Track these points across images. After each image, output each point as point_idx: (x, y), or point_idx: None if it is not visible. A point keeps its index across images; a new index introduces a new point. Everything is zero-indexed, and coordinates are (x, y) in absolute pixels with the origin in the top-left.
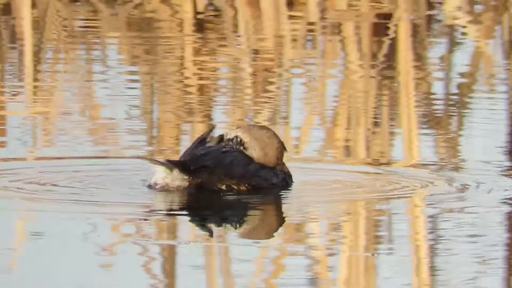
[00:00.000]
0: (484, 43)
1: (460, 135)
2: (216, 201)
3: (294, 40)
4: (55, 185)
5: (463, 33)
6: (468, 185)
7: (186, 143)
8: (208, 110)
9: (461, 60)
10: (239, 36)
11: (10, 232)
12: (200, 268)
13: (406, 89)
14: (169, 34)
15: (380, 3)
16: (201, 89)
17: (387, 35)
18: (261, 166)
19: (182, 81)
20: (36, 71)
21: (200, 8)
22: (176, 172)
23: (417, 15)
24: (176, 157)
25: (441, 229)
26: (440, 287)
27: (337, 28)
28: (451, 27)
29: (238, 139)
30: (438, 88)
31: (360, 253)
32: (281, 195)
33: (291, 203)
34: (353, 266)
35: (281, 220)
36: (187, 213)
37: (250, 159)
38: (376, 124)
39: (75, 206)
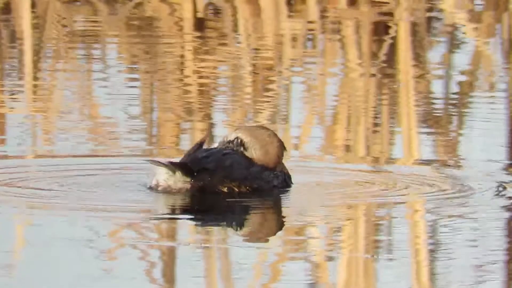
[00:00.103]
0: (484, 43)
1: (460, 135)
2: (217, 204)
3: (294, 39)
4: (54, 186)
5: (463, 33)
6: (468, 185)
7: (186, 142)
8: (207, 110)
9: (461, 59)
10: (238, 35)
11: (9, 235)
12: (200, 271)
13: (406, 89)
14: (169, 33)
15: (380, 2)
16: (201, 88)
17: (387, 34)
18: (262, 168)
19: (181, 80)
20: (36, 70)
21: (200, 7)
22: (178, 174)
23: (417, 15)
24: (176, 157)
25: (441, 232)
26: None
27: (337, 28)
28: (451, 27)
29: (239, 140)
30: (438, 88)
31: (360, 255)
32: (282, 197)
33: (291, 205)
34: (352, 270)
35: (281, 223)
36: (188, 215)
37: (250, 161)
38: (376, 123)
39: (76, 207)
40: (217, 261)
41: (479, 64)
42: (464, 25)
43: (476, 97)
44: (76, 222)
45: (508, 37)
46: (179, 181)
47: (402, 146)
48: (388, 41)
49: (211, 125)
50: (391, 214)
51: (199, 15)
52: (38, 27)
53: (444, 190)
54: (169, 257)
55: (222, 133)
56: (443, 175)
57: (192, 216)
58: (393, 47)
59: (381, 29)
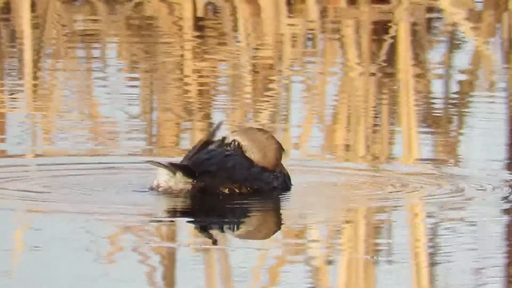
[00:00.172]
0: (484, 42)
1: (460, 134)
2: (217, 205)
3: (294, 38)
4: (54, 187)
5: (463, 32)
6: (469, 186)
7: (185, 142)
8: (207, 110)
9: (461, 59)
10: (238, 35)
11: (9, 236)
12: (200, 274)
13: (406, 88)
14: (169, 33)
15: (381, 3)
16: (201, 88)
17: (387, 34)
18: (262, 169)
19: (181, 80)
20: (36, 70)
21: (200, 7)
22: (179, 175)
23: (417, 15)
24: (176, 157)
25: (441, 234)
26: None
27: (337, 27)
28: (451, 27)
29: (236, 143)
30: (438, 87)
31: (360, 258)
32: (282, 198)
33: (292, 207)
34: (352, 273)
35: (281, 225)
36: (188, 216)
37: (251, 162)
38: (376, 123)
39: (76, 208)
40: (217, 263)
41: (479, 64)
42: (464, 25)
43: (476, 97)
44: (75, 223)
45: (508, 37)
46: (180, 182)
47: (402, 146)
48: (388, 40)
49: (212, 125)
50: (391, 216)
51: (199, 14)
52: (38, 27)
53: (444, 191)
54: (169, 259)
55: (222, 134)
56: (443, 175)
57: (193, 218)
58: (393, 47)
59: (381, 28)
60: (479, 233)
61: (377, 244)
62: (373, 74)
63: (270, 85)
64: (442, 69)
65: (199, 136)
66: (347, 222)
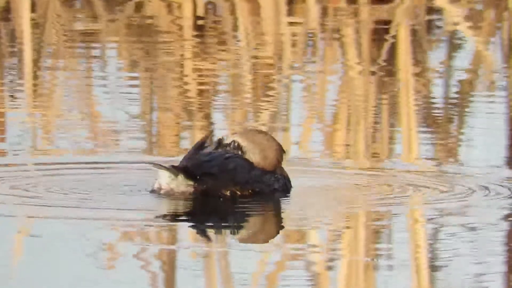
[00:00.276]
0: (484, 42)
1: (460, 134)
2: (218, 207)
3: (294, 42)
4: (55, 189)
5: (463, 32)
6: (469, 186)
7: (185, 144)
8: (207, 112)
9: (461, 59)
10: (238, 35)
11: (9, 238)
12: (200, 277)
13: (406, 89)
14: (169, 36)
15: (381, 3)
16: (201, 91)
17: (388, 34)
18: (263, 171)
19: (181, 78)
20: (35, 72)
21: (200, 11)
22: (181, 177)
23: (417, 18)
24: (175, 157)
25: (442, 237)
26: None
27: (337, 31)
28: (451, 26)
29: (236, 144)
30: (438, 88)
31: (360, 261)
32: (283, 201)
33: (293, 210)
34: (352, 277)
35: (282, 229)
36: (189, 218)
37: (252, 164)
38: (376, 126)
39: (76, 210)
40: (218, 266)
41: (479, 64)
42: (464, 25)
43: (476, 97)
44: (76, 226)
45: (508, 36)
46: (182, 184)
47: (402, 146)
48: (388, 40)
49: (211, 125)
50: (391, 218)
51: (199, 14)
52: (38, 27)
53: (444, 192)
54: (170, 262)
55: (221, 135)
56: (443, 175)
57: (194, 220)
58: (393, 47)
59: (381, 28)
60: (480, 237)
61: (377, 249)
62: (373, 73)
63: (270, 85)
64: (442, 70)
65: (199, 136)
66: (347, 225)
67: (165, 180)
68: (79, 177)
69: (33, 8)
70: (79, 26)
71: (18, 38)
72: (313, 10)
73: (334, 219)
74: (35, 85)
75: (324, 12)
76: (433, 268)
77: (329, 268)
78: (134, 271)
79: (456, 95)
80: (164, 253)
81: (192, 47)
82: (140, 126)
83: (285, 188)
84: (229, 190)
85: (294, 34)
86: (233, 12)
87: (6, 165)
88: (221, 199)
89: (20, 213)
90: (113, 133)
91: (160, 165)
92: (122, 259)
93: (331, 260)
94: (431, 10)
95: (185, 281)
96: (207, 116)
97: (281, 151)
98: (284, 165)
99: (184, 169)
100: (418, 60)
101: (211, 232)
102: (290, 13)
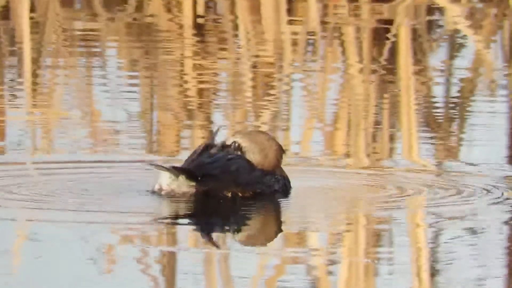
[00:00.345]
0: (484, 42)
1: (461, 133)
2: (220, 209)
3: (294, 41)
4: (54, 190)
5: (464, 32)
6: (469, 188)
7: (185, 145)
8: (208, 113)
9: (462, 61)
10: (238, 34)
11: (9, 238)
12: (200, 278)
13: (407, 90)
14: (169, 35)
15: (382, 2)
16: (201, 90)
17: (388, 39)
18: (263, 172)
19: (181, 77)
20: (35, 73)
21: (200, 12)
22: (182, 178)
23: (418, 20)
24: (176, 157)
25: (442, 238)
26: None
27: (337, 32)
28: (452, 26)
29: (236, 145)
30: (438, 89)
31: (360, 259)
32: (283, 202)
33: (293, 211)
34: (352, 279)
35: (282, 228)
36: (190, 219)
37: (253, 166)
38: (376, 127)
39: (77, 211)
40: (218, 267)
41: (480, 63)
42: (465, 25)
43: (477, 96)
44: (76, 227)
45: (509, 36)
46: (183, 185)
47: (402, 147)
48: (389, 41)
49: (212, 125)
50: (392, 220)
51: (199, 13)
52: (37, 26)
53: (445, 193)
54: (170, 263)
55: (222, 137)
56: (443, 177)
57: (195, 221)
58: (393, 48)
59: (382, 29)
60: (481, 240)
61: (377, 252)
62: (374, 72)
63: (271, 84)
64: (443, 71)
65: (199, 136)
66: (347, 227)
67: (166, 181)
68: (79, 177)
69: (32, 8)
70: (79, 25)
71: (18, 38)
72: (314, 8)
73: (334, 221)
74: (34, 84)
75: (324, 10)
76: (434, 271)
77: (329, 271)
78: (134, 274)
79: (457, 95)
80: (165, 256)
81: (192, 46)
82: (140, 125)
83: (285, 188)
84: (230, 192)
85: (294, 33)
86: (233, 11)
87: (5, 167)
88: (221, 200)
89: (19, 212)
90: (113, 132)
91: (160, 165)
92: (122, 261)
93: (332, 263)
94: (431, 9)
95: (185, 284)
96: (207, 116)
97: (281, 151)
98: (284, 165)
99: (186, 170)
100: (419, 59)
101: (211, 235)
102: (290, 12)
